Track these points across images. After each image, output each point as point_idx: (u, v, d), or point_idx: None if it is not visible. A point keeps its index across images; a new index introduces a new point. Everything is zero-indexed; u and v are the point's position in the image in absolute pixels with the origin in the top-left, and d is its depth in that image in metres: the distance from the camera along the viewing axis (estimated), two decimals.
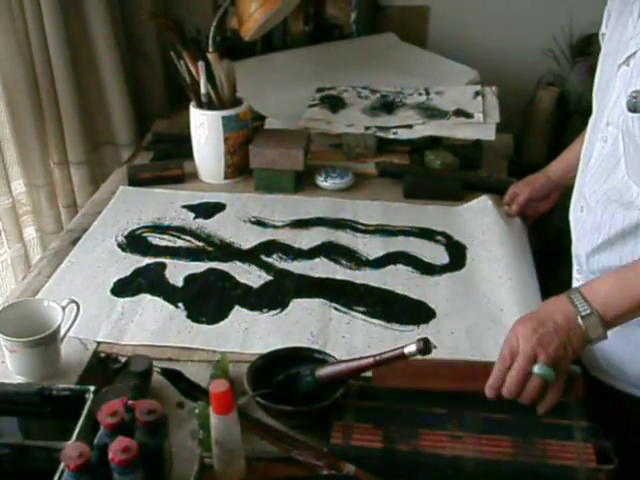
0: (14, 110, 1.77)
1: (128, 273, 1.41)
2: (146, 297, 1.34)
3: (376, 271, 1.42)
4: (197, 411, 1.00)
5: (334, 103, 2.00)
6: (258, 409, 1.04)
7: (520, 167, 1.93)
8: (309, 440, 1.01)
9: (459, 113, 1.91)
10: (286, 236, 1.53)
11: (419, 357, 1.00)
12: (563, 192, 1.57)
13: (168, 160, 1.81)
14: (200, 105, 1.70)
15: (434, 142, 1.83)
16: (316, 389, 1.04)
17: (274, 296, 1.35)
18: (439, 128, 1.85)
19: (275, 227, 1.57)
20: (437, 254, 1.48)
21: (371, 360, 1.02)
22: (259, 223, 1.59)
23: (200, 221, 1.59)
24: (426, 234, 1.55)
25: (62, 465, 0.84)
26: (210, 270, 1.42)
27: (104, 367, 1.12)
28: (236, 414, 0.92)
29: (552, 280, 1.42)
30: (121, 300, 1.33)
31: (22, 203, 1.89)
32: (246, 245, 1.50)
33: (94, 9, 1.88)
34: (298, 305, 1.32)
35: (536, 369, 1.01)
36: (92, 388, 0.97)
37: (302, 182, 1.71)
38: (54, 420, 1.00)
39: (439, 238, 1.53)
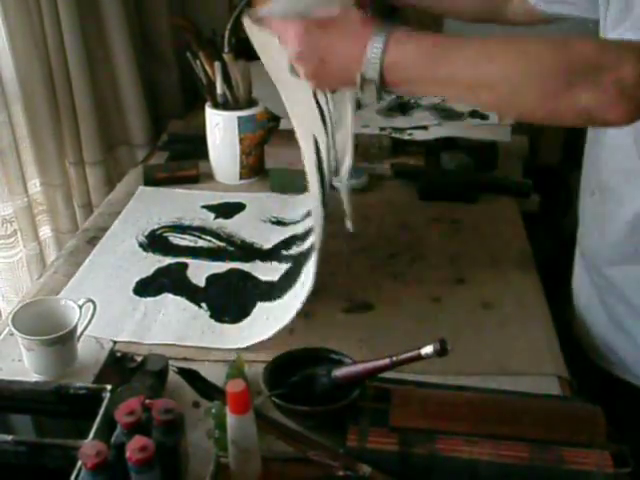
0: (30, 110, 1.78)
1: (150, 273, 1.41)
2: (168, 296, 1.34)
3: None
4: (213, 411, 1.00)
5: None
6: (274, 409, 1.04)
7: (535, 168, 1.92)
8: (325, 441, 1.01)
9: (474, 114, 1.91)
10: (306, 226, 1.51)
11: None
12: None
13: (183, 160, 1.82)
14: (216, 105, 1.71)
15: (449, 143, 1.83)
16: (332, 390, 1.04)
17: (289, 284, 1.33)
18: (454, 129, 1.85)
19: (295, 223, 1.57)
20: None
21: (387, 361, 1.01)
22: (279, 223, 1.59)
23: (220, 221, 1.59)
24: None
25: (79, 463, 0.84)
26: (231, 270, 1.42)
27: (120, 366, 1.12)
28: (252, 414, 0.92)
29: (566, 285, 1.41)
30: (144, 300, 1.33)
31: (38, 202, 1.89)
32: (267, 245, 1.50)
33: (110, 10, 1.89)
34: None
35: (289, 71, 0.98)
36: (109, 387, 0.97)
37: None
38: (70, 419, 1.00)
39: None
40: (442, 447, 0.98)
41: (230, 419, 0.91)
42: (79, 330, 1.10)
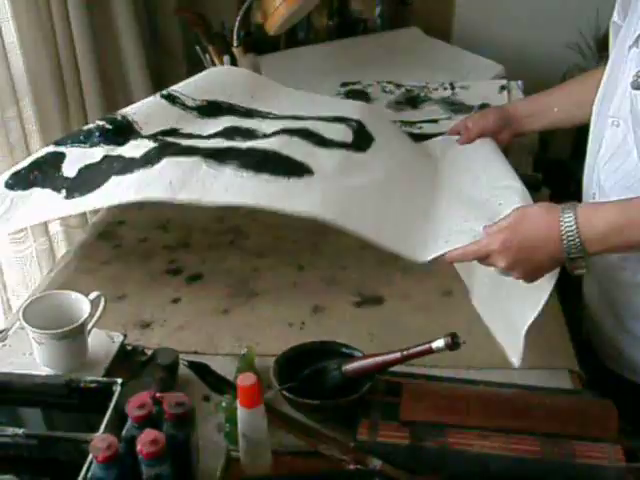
0: (40, 105, 1.78)
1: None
2: (37, 190, 1.33)
3: (268, 139, 1.35)
4: (224, 404, 1.00)
5: (359, 97, 1.99)
6: (284, 403, 1.04)
7: (545, 162, 1.92)
8: (335, 435, 1.01)
9: (485, 108, 1.90)
10: (191, 126, 1.45)
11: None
12: (515, 134, 1.51)
13: None
14: None
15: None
16: (343, 383, 1.04)
17: (150, 158, 1.29)
18: None
19: (184, 106, 1.48)
20: (342, 134, 1.40)
21: (398, 355, 1.01)
22: (169, 97, 1.49)
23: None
24: (338, 119, 1.46)
25: (90, 456, 0.84)
26: (105, 157, 1.36)
27: (130, 360, 1.13)
28: (263, 408, 0.92)
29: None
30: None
31: None
32: (146, 129, 1.42)
33: (119, 3, 1.89)
34: (170, 162, 1.26)
35: (499, 271, 1.05)
36: (119, 380, 0.97)
37: None
38: (80, 412, 1.00)
39: (351, 123, 1.45)
40: (453, 441, 0.98)
41: (241, 413, 0.91)
42: (89, 324, 1.10)
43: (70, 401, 0.99)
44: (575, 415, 1.02)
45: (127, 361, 1.12)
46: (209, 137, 1.39)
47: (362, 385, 1.03)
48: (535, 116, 1.48)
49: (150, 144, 1.35)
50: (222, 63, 1.67)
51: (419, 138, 1.82)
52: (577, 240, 0.98)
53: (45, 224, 1.86)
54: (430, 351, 0.99)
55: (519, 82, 2.01)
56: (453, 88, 2.03)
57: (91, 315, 1.10)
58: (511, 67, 2.14)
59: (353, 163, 1.32)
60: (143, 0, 2.02)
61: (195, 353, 1.18)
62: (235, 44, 1.66)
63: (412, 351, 1.01)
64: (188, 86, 1.53)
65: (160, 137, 1.38)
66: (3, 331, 1.18)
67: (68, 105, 1.86)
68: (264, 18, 1.71)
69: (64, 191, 1.31)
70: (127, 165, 1.30)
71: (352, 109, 1.53)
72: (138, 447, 0.81)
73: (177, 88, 1.52)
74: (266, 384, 1.05)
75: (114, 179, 1.27)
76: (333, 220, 1.13)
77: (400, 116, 1.90)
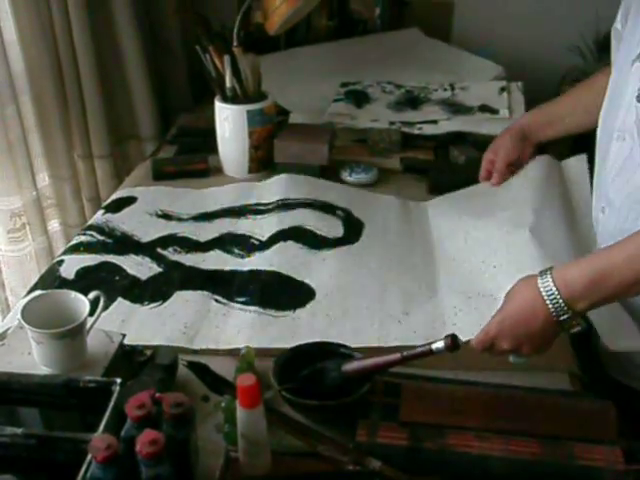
0: (39, 103, 1.78)
1: None
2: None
3: (265, 252, 1.42)
4: (223, 405, 1.00)
5: (359, 98, 2.00)
6: (284, 403, 1.04)
7: None
8: (335, 435, 1.00)
9: (484, 109, 1.90)
10: (188, 229, 1.52)
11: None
12: (534, 147, 1.54)
13: (192, 154, 1.81)
14: (225, 99, 1.70)
15: (459, 138, 1.82)
16: (342, 384, 1.04)
17: (159, 288, 1.34)
18: (464, 124, 1.85)
19: (179, 220, 1.56)
20: (332, 228, 1.47)
21: (398, 356, 1.01)
22: (165, 216, 1.58)
23: (108, 215, 1.58)
24: (326, 207, 1.54)
25: (89, 456, 0.84)
26: (104, 263, 1.41)
27: (129, 360, 1.12)
28: (262, 408, 0.91)
29: None
30: None
31: (46, 196, 1.90)
32: (145, 238, 1.49)
33: (119, 3, 1.89)
34: (180, 298, 1.31)
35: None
36: (119, 380, 0.97)
37: (326, 177, 1.70)
38: (79, 412, 1.00)
39: (339, 212, 1.53)
40: (452, 442, 0.98)
41: (240, 413, 0.91)
42: (88, 323, 1.10)
43: (69, 401, 0.99)
44: (574, 417, 1.02)
45: (126, 361, 1.12)
46: (206, 245, 1.47)
47: (361, 386, 1.02)
48: (547, 126, 1.51)
49: (154, 266, 1.41)
50: (222, 62, 1.66)
51: (418, 138, 1.83)
52: (561, 302, 1.00)
53: (44, 223, 1.86)
54: (430, 352, 0.99)
55: (519, 83, 2.01)
56: (453, 89, 2.03)
57: (90, 314, 1.09)
58: (511, 68, 2.14)
59: (348, 264, 1.38)
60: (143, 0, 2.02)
61: (194, 353, 1.18)
62: (235, 44, 1.66)
63: (412, 352, 1.01)
64: (181, 207, 1.61)
65: (160, 250, 1.45)
66: None
67: (67, 103, 1.86)
68: (264, 18, 1.71)
69: None
70: (132, 286, 1.35)
71: (337, 195, 1.60)
72: (137, 447, 0.81)
73: (171, 208, 1.61)
74: (265, 384, 1.04)
75: (121, 301, 1.30)
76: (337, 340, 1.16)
77: (400, 117, 1.91)
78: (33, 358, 1.09)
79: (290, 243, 1.42)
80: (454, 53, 2.28)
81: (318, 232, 1.45)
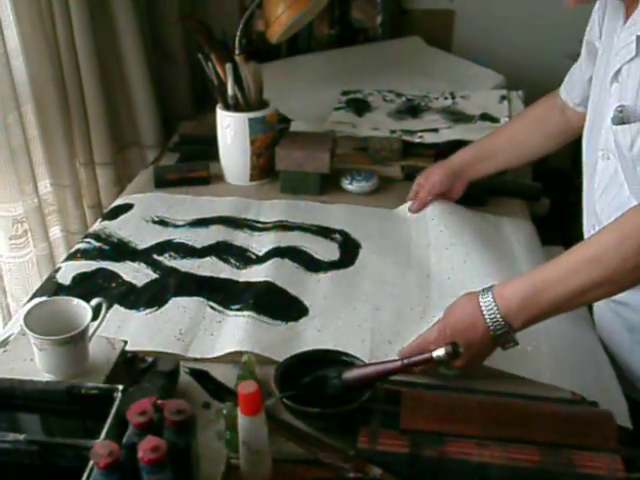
0: (42, 111, 1.79)
1: None
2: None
3: (261, 266, 1.43)
4: (224, 412, 1.00)
5: (360, 106, 2.01)
6: (285, 411, 1.04)
7: (545, 172, 1.92)
8: (335, 443, 1.01)
9: (485, 117, 1.91)
10: (184, 235, 1.54)
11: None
12: (466, 184, 1.57)
13: (195, 162, 1.82)
14: (227, 107, 1.71)
15: (460, 146, 1.82)
16: (343, 392, 1.04)
17: (154, 294, 1.35)
18: (465, 132, 1.85)
19: (176, 226, 1.58)
20: (329, 251, 1.48)
21: (399, 364, 1.01)
22: (161, 222, 1.59)
23: (105, 223, 1.60)
24: (323, 231, 1.55)
25: (91, 463, 0.84)
26: (100, 269, 1.42)
27: (131, 366, 1.13)
28: (264, 415, 0.92)
29: None
30: None
31: (48, 203, 1.90)
32: (142, 245, 1.50)
33: (122, 11, 1.90)
34: (175, 304, 1.32)
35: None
36: (120, 387, 0.97)
37: (327, 185, 1.71)
38: (81, 418, 1.00)
39: (335, 236, 1.54)
40: (452, 450, 0.98)
41: (242, 420, 0.91)
42: (90, 330, 1.11)
43: (71, 407, 0.99)
44: (574, 424, 1.02)
45: (128, 368, 1.12)
46: (203, 251, 1.48)
47: (362, 393, 1.03)
48: (481, 163, 1.54)
49: (150, 272, 1.42)
50: (224, 71, 1.67)
51: (419, 147, 1.83)
52: (498, 316, 1.03)
53: (46, 230, 1.86)
54: (431, 360, 1.00)
55: (519, 92, 2.02)
56: (454, 98, 2.04)
57: (92, 321, 1.10)
58: (511, 77, 2.15)
59: (342, 287, 1.38)
60: (146, 7, 2.03)
61: (195, 360, 1.18)
62: (237, 52, 1.67)
63: (413, 360, 1.02)
64: (177, 213, 1.63)
65: (156, 257, 1.46)
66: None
67: (69, 111, 1.86)
68: (266, 26, 1.72)
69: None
70: (128, 292, 1.35)
71: (336, 216, 1.61)
72: (139, 454, 0.81)
73: (166, 214, 1.62)
74: (266, 392, 1.05)
75: (117, 308, 1.31)
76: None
77: (401, 125, 1.91)
78: (35, 364, 1.09)
79: (286, 261, 1.43)
80: (455, 62, 2.29)
81: (314, 255, 1.47)
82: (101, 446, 0.82)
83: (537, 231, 1.58)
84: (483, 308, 1.04)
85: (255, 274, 1.40)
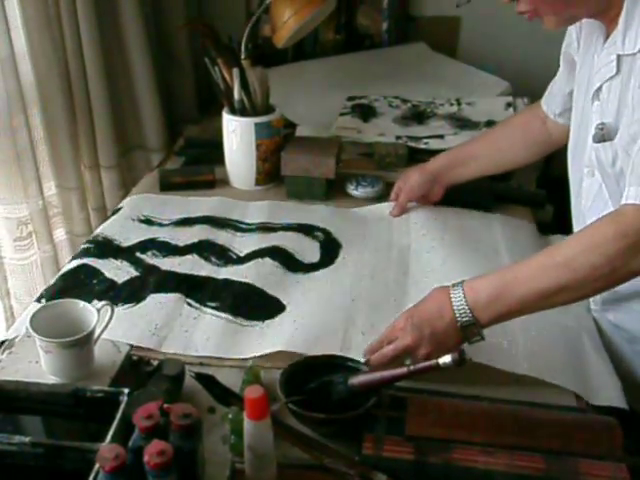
0: (47, 113, 1.79)
1: None
2: None
3: (241, 266, 1.43)
4: (230, 416, 1.00)
5: (365, 112, 2.01)
6: (290, 416, 1.04)
7: (550, 179, 1.92)
8: (341, 448, 1.01)
9: (491, 124, 1.91)
10: (168, 234, 1.55)
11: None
12: (445, 187, 1.57)
13: (200, 165, 1.82)
14: (233, 111, 1.71)
15: None
16: (348, 397, 1.04)
17: (134, 291, 1.36)
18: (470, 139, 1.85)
19: (161, 225, 1.59)
20: (310, 250, 1.49)
21: (405, 370, 1.01)
22: (146, 221, 1.61)
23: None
24: (305, 229, 1.56)
25: (97, 466, 0.84)
26: (82, 266, 1.44)
27: (136, 370, 1.13)
28: (269, 420, 0.92)
29: None
30: None
31: (53, 205, 1.90)
32: (126, 243, 1.52)
33: (128, 15, 1.90)
34: (153, 300, 1.33)
35: (407, 362, 1.07)
36: (126, 390, 0.97)
37: (333, 190, 1.71)
38: (87, 421, 1.00)
39: (317, 234, 1.55)
40: (458, 457, 0.98)
41: (247, 425, 0.91)
42: (96, 333, 1.11)
43: (76, 410, 0.99)
44: (580, 432, 1.02)
45: (133, 371, 1.12)
46: (184, 249, 1.49)
47: (368, 399, 1.03)
48: (459, 168, 1.54)
49: (132, 270, 1.43)
50: (231, 75, 1.67)
51: (425, 153, 1.83)
52: (465, 307, 1.05)
53: (50, 232, 1.86)
54: (437, 367, 0.99)
55: (525, 99, 2.02)
56: (459, 104, 2.04)
57: (98, 324, 1.10)
58: (517, 84, 2.15)
59: (320, 285, 1.39)
60: (152, 12, 2.03)
61: (201, 364, 1.18)
62: (243, 56, 1.67)
63: (418, 366, 1.02)
64: (163, 213, 1.64)
65: (139, 254, 1.47)
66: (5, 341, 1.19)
67: (75, 114, 1.87)
68: (272, 31, 1.72)
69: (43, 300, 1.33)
70: (109, 289, 1.36)
71: (319, 216, 1.62)
72: (145, 458, 0.81)
73: (152, 214, 1.64)
74: (272, 397, 1.04)
75: (96, 303, 1.29)
76: (300, 351, 1.18)
77: (406, 131, 1.91)
78: (41, 367, 1.09)
79: (267, 260, 1.44)
80: (461, 68, 2.29)
81: (295, 255, 1.47)
82: (107, 449, 0.82)
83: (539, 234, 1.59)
84: (452, 298, 1.07)
85: (235, 273, 1.41)
